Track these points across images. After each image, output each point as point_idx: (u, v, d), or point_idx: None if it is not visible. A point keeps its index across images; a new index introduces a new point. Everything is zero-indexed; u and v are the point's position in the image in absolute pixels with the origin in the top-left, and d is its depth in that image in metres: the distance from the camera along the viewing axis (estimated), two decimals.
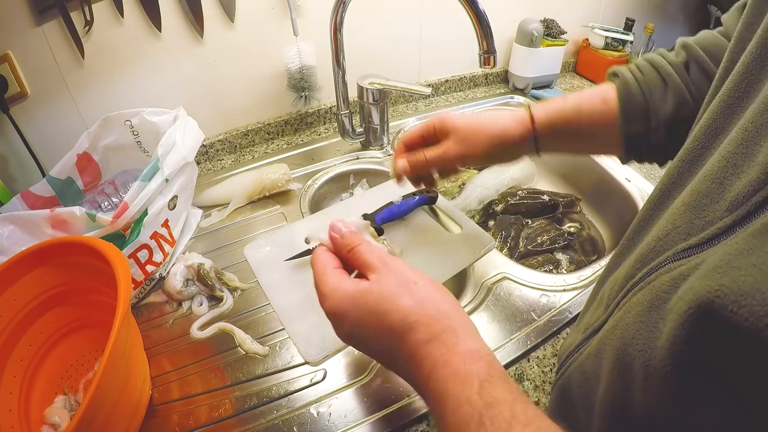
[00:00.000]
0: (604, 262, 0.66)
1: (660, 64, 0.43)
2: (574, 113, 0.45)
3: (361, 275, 0.33)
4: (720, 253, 0.22)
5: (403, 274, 0.31)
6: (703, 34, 0.44)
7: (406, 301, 0.29)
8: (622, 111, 0.43)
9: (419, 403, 0.49)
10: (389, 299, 0.29)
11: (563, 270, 0.76)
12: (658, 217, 0.32)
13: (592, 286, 0.61)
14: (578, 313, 0.58)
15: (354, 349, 0.54)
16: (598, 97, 0.45)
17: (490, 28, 0.60)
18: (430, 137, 0.50)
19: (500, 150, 0.47)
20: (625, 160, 0.47)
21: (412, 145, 0.51)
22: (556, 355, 0.54)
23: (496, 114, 0.48)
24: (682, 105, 0.41)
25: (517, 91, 1.14)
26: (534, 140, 0.46)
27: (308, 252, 0.64)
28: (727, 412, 0.21)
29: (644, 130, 0.43)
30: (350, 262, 0.35)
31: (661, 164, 0.46)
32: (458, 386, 0.25)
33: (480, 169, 0.98)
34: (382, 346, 0.30)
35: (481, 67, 0.64)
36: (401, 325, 0.28)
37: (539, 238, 0.80)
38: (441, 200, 0.74)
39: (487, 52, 0.62)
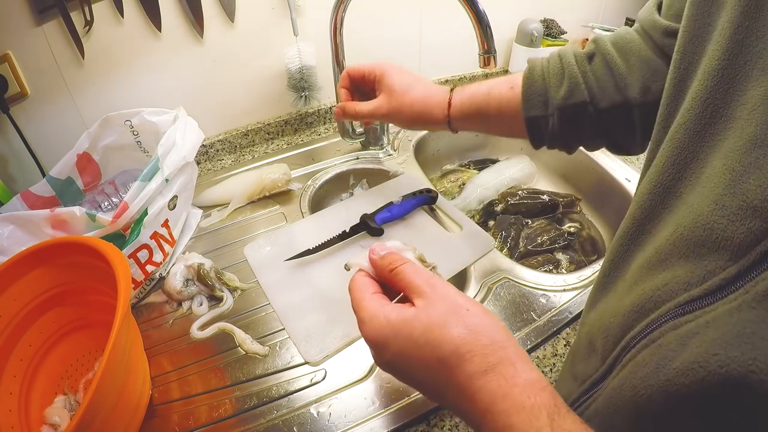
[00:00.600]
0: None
1: (564, 54, 0.46)
2: (484, 98, 0.50)
3: (405, 299, 0.31)
4: (734, 317, 0.21)
5: (453, 300, 0.29)
6: (619, 30, 0.46)
7: (457, 331, 0.27)
8: (523, 95, 0.46)
9: (419, 403, 0.49)
10: (439, 329, 0.27)
11: (563, 270, 0.76)
12: (636, 251, 0.31)
13: (591, 286, 0.62)
14: (577, 314, 0.58)
15: (354, 350, 0.54)
16: (508, 83, 0.48)
17: (490, 28, 0.60)
18: (369, 81, 0.57)
19: (420, 124, 0.55)
20: (534, 145, 0.49)
21: (353, 80, 0.59)
22: (556, 355, 0.54)
23: (427, 87, 0.53)
24: (573, 91, 0.43)
25: None
26: (448, 122, 0.52)
27: (308, 252, 0.64)
28: None
29: (542, 114, 0.45)
30: (392, 284, 0.33)
31: (569, 152, 0.49)
32: (525, 419, 0.24)
33: (480, 169, 0.98)
34: (430, 378, 0.28)
35: (481, 67, 0.64)
36: (452, 356, 0.26)
37: (539, 238, 0.80)
38: (441, 200, 0.74)
39: (487, 52, 0.62)
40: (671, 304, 0.25)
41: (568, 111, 0.44)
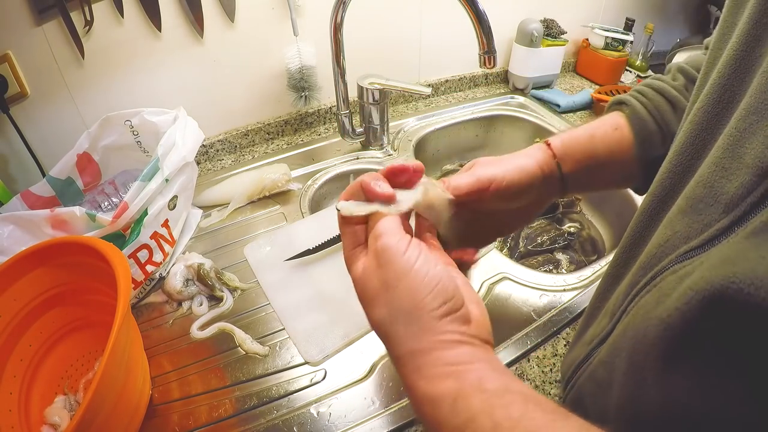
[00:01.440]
0: (604, 262, 0.66)
1: (663, 89, 0.43)
2: (589, 140, 0.43)
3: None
4: (723, 250, 0.23)
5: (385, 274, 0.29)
6: (693, 56, 0.44)
7: (380, 310, 0.28)
8: (637, 136, 0.42)
9: None
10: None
11: (563, 270, 0.76)
12: (656, 227, 0.32)
13: (593, 286, 0.62)
14: (578, 314, 0.59)
15: (354, 350, 0.54)
16: (608, 124, 0.43)
17: (490, 28, 0.61)
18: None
19: (525, 187, 0.40)
20: (642, 191, 0.43)
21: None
22: (556, 355, 0.54)
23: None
24: None
25: (517, 91, 1.14)
26: (558, 167, 0.42)
27: (308, 252, 0.64)
28: (737, 397, 0.22)
29: (662, 154, 0.38)
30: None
31: None
32: (430, 410, 0.25)
33: None
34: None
35: (481, 66, 0.64)
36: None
37: (539, 238, 0.80)
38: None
39: (487, 52, 0.62)
40: (672, 256, 0.27)
41: None
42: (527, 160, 0.41)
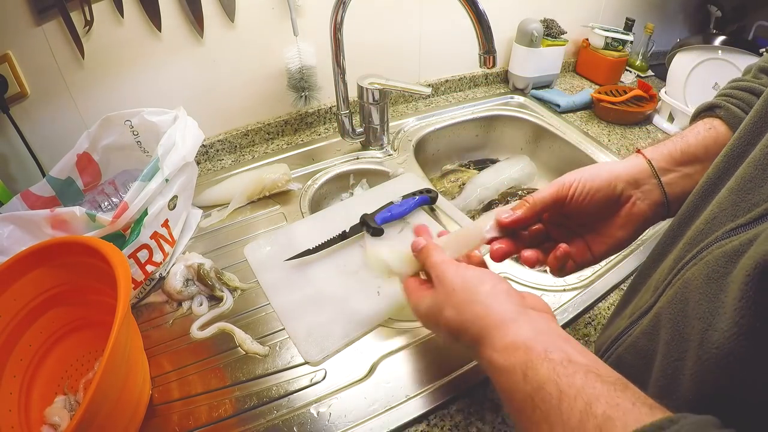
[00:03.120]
0: (604, 262, 0.66)
1: (753, 88, 0.42)
2: (682, 142, 0.42)
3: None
4: None
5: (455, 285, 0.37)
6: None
7: (448, 312, 0.36)
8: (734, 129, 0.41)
9: (419, 403, 0.49)
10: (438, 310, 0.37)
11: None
12: (706, 206, 0.32)
13: (593, 286, 0.62)
14: (578, 314, 0.59)
15: (354, 350, 0.54)
16: (700, 126, 0.42)
17: (490, 28, 0.61)
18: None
19: (620, 183, 0.41)
20: None
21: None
22: None
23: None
24: None
25: (517, 91, 1.14)
26: (654, 173, 0.42)
27: (308, 252, 0.64)
28: None
29: None
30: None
31: None
32: (506, 379, 0.30)
33: (480, 169, 0.98)
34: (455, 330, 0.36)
35: (481, 66, 0.64)
36: (452, 332, 0.36)
37: None
38: (441, 200, 0.74)
39: (487, 52, 0.62)
40: (719, 232, 0.28)
41: None
42: (612, 164, 0.42)
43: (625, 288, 0.62)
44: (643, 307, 0.35)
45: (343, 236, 0.66)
